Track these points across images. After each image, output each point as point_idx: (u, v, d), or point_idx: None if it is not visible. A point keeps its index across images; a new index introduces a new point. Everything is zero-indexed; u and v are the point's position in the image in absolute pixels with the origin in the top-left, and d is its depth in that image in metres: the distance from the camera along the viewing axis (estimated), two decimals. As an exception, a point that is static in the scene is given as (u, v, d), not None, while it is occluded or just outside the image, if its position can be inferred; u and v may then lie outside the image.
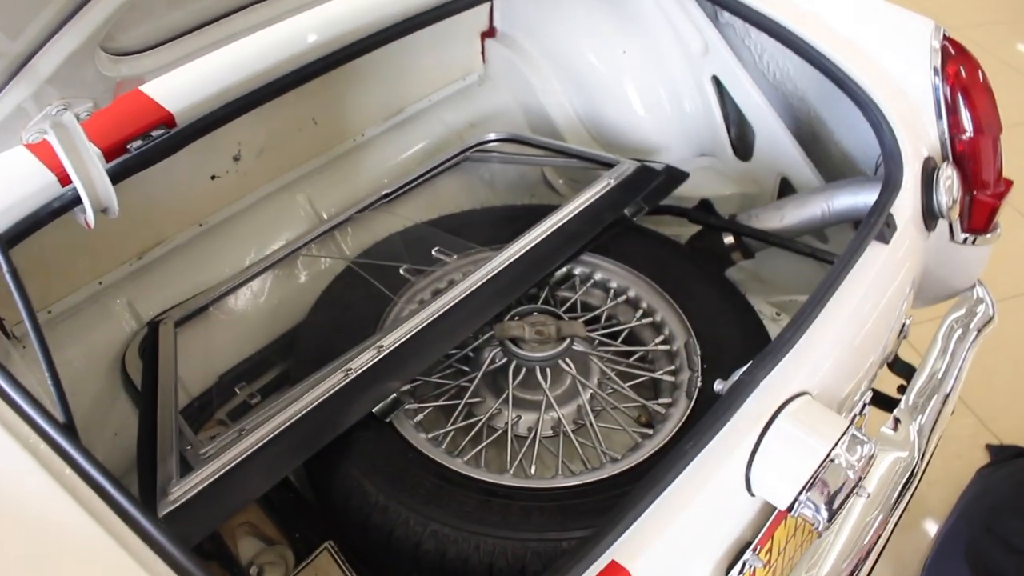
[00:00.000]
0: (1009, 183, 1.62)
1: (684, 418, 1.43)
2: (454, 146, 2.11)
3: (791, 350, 1.15)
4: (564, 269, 1.72)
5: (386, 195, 1.95)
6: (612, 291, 1.71)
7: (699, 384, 1.47)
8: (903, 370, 1.67)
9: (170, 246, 1.72)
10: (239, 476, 1.24)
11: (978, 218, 1.62)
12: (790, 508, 1.04)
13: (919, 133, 1.55)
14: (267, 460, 1.26)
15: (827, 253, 1.70)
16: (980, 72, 1.60)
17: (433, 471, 1.31)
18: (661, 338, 1.62)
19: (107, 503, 0.91)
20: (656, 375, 1.58)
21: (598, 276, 1.73)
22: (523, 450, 1.46)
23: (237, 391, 1.63)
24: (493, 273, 1.56)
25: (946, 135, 1.57)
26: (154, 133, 1.41)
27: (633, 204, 1.74)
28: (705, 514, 1.04)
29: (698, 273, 1.69)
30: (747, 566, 1.06)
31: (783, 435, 1.07)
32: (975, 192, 1.59)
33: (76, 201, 1.24)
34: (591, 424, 1.49)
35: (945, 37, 1.61)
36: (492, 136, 2.10)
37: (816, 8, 1.69)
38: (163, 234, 1.71)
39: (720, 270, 1.81)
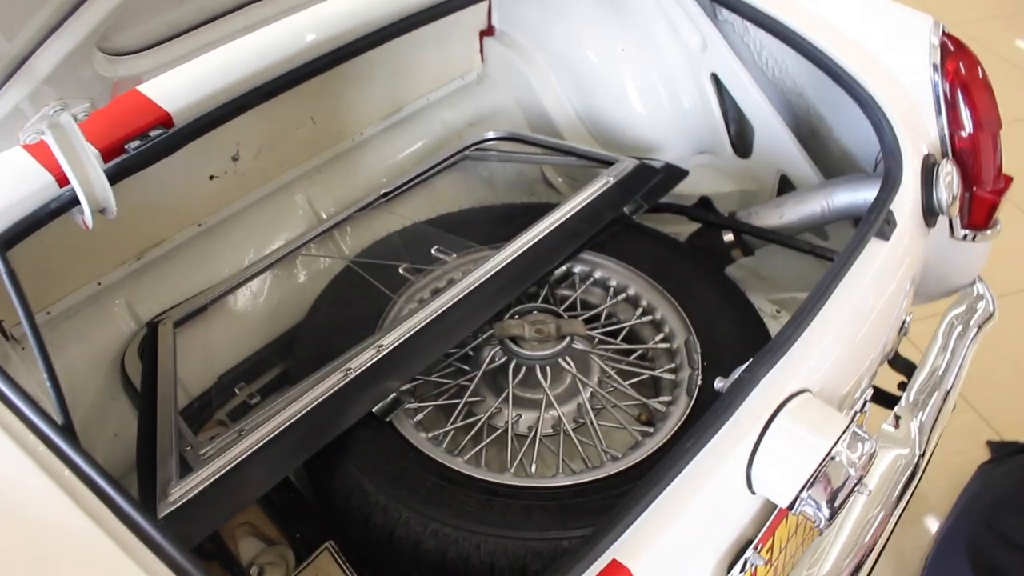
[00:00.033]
0: (1009, 179, 1.62)
1: (685, 416, 1.42)
2: (453, 145, 2.10)
3: (791, 348, 1.15)
4: (564, 267, 1.72)
5: (385, 194, 1.95)
6: (612, 289, 1.71)
7: (699, 382, 1.47)
8: (904, 367, 1.67)
9: (169, 246, 1.71)
10: (239, 477, 1.24)
11: (978, 214, 1.62)
12: (791, 506, 1.04)
13: (919, 129, 1.55)
14: (267, 460, 1.26)
15: (827, 250, 1.70)
16: (980, 68, 1.59)
17: (433, 470, 1.31)
18: (661, 336, 1.62)
19: (106, 504, 0.90)
20: (656, 373, 1.58)
21: (598, 274, 1.73)
22: (523, 449, 1.45)
23: (237, 391, 1.64)
24: (492, 272, 1.56)
25: (946, 131, 1.57)
26: (152, 133, 1.40)
27: (632, 202, 1.74)
28: (706, 512, 1.04)
29: (698, 271, 1.69)
30: (748, 564, 1.06)
31: (784, 433, 1.06)
32: (975, 188, 1.59)
33: (74, 202, 1.24)
34: (591, 422, 1.49)
35: (944, 33, 1.61)
36: (491, 135, 2.10)
37: (815, 4, 1.69)
38: (162, 234, 1.71)
39: (720, 268, 1.80)
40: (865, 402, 1.29)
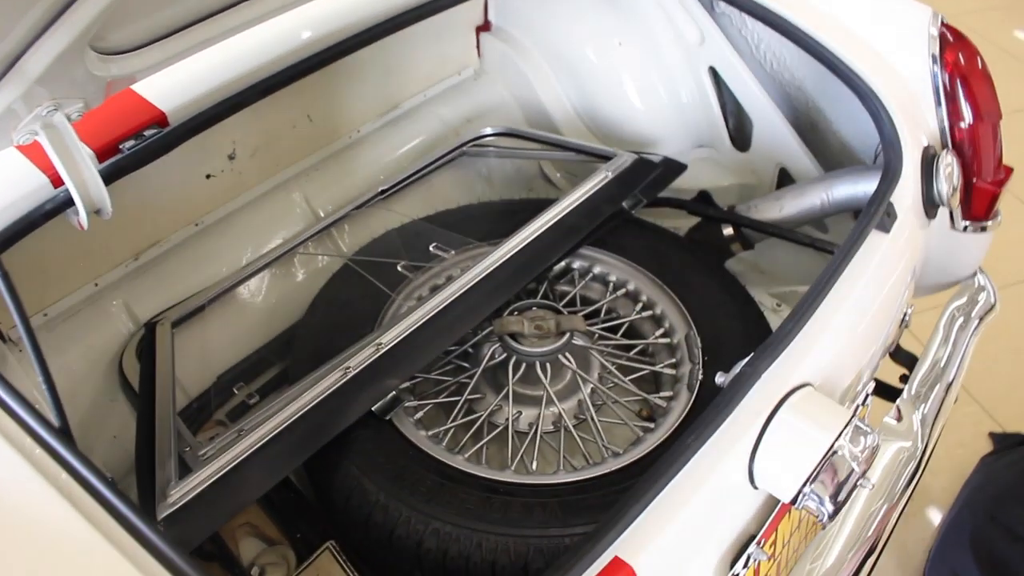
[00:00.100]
0: (1009, 170, 1.61)
1: (686, 411, 1.42)
2: (450, 141, 2.10)
3: (792, 341, 1.15)
4: (563, 263, 1.71)
5: (383, 192, 1.94)
6: (611, 284, 1.70)
7: (700, 377, 1.46)
8: (905, 359, 1.67)
9: (166, 246, 1.71)
10: (239, 477, 1.23)
11: (978, 206, 1.61)
12: (794, 501, 1.03)
13: (918, 121, 1.54)
14: (267, 460, 1.26)
15: (827, 243, 1.70)
16: (979, 59, 1.59)
17: (434, 469, 1.31)
18: (661, 331, 1.61)
19: (104, 507, 0.90)
20: (657, 368, 1.58)
21: (597, 270, 1.72)
22: (524, 446, 1.45)
23: (235, 391, 1.63)
24: (491, 268, 1.55)
25: (945, 123, 1.57)
26: (147, 133, 1.40)
27: (631, 197, 1.74)
28: (708, 508, 1.03)
29: (698, 265, 1.68)
30: (751, 559, 1.06)
31: (786, 427, 1.06)
32: (975, 180, 1.58)
33: (69, 203, 1.23)
34: (592, 419, 1.48)
35: (943, 24, 1.60)
36: (488, 131, 2.09)
37: (812, -4, 1.68)
38: (159, 234, 1.70)
39: (720, 262, 1.80)
40: (867, 395, 1.29)
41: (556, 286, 1.75)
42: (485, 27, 2.22)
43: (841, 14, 1.65)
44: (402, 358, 1.41)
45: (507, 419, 1.49)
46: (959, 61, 1.56)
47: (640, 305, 1.66)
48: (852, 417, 1.06)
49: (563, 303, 1.65)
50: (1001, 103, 1.58)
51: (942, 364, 1.61)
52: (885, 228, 1.34)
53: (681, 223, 1.91)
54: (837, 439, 1.04)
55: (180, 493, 1.20)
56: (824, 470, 1.03)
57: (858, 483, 1.05)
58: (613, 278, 1.70)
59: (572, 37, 2.17)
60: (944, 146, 1.56)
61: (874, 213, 1.32)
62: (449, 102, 2.19)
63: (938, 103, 1.56)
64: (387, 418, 1.37)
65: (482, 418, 1.50)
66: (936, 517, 2.23)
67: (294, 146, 1.90)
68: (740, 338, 1.51)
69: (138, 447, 1.35)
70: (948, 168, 1.48)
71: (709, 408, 1.06)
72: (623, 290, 1.69)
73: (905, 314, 1.52)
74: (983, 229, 1.64)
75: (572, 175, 2.23)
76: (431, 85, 2.16)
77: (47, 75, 1.06)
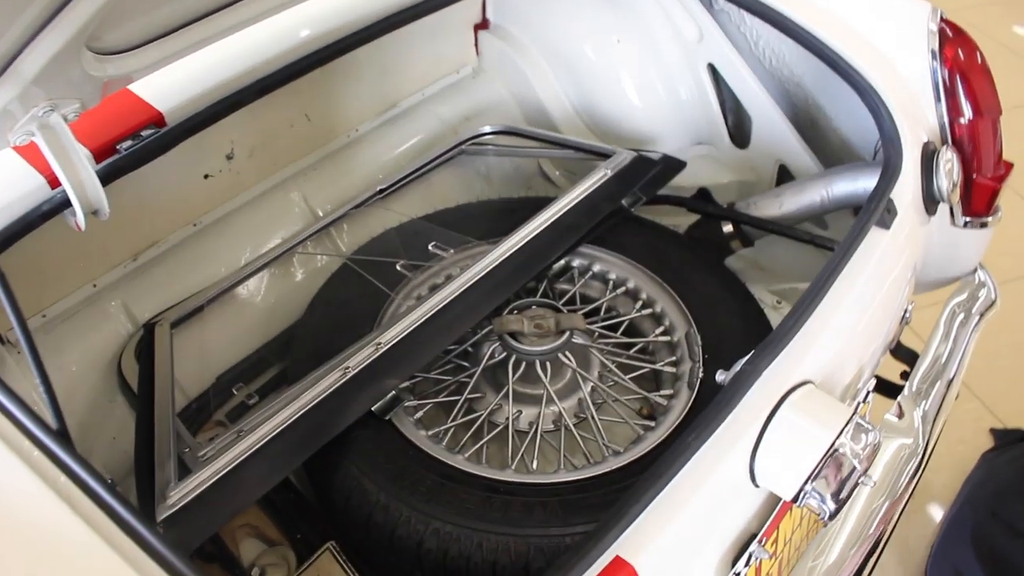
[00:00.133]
0: (1009, 166, 1.61)
1: (686, 409, 1.42)
2: (449, 140, 2.09)
3: (793, 339, 1.14)
4: (562, 261, 1.71)
5: (381, 191, 1.94)
6: (611, 282, 1.70)
7: (701, 375, 1.46)
8: (906, 356, 1.66)
9: (164, 247, 1.70)
10: (238, 478, 1.23)
11: (979, 201, 1.61)
12: (795, 499, 1.03)
13: (918, 117, 1.54)
14: (266, 461, 1.25)
15: (827, 240, 1.69)
16: (979, 54, 1.58)
17: (434, 468, 1.30)
18: (661, 329, 1.61)
19: (102, 509, 0.89)
20: (657, 366, 1.57)
21: (597, 268, 1.71)
22: (524, 445, 1.45)
23: (235, 392, 1.63)
24: (491, 267, 1.55)
25: (945, 118, 1.56)
26: (144, 133, 1.39)
27: (630, 194, 1.73)
28: (709, 506, 1.03)
29: (697, 262, 1.68)
30: (753, 558, 1.06)
31: (787, 425, 1.06)
32: (975, 175, 1.58)
33: (66, 204, 1.23)
34: (592, 417, 1.48)
35: (942, 19, 1.59)
36: (487, 129, 2.09)
37: (811, -8, 1.67)
38: (157, 235, 1.69)
39: (719, 259, 1.79)
40: (868, 392, 1.28)
41: (556, 284, 1.75)
42: (483, 25, 2.22)
43: (840, 10, 1.65)
44: (401, 357, 1.41)
45: (507, 418, 1.48)
46: (959, 57, 1.56)
47: (640, 303, 1.66)
48: (853, 414, 1.06)
49: (563, 301, 1.64)
50: (1001, 99, 1.57)
51: (943, 360, 1.60)
52: (885, 224, 1.34)
53: (680, 220, 1.90)
54: (838, 437, 1.03)
55: (180, 494, 1.20)
56: (825, 468, 1.03)
57: (860, 481, 1.05)
58: (613, 276, 1.70)
59: (570, 35, 2.16)
60: (944, 142, 1.56)
61: (874, 209, 1.31)
62: (447, 101, 2.18)
63: (938, 99, 1.56)
64: (387, 418, 1.36)
65: (482, 417, 1.49)
66: (937, 514, 2.23)
67: (292, 145, 1.90)
68: (740, 336, 1.51)
69: (137, 448, 1.35)
70: (948, 164, 1.47)
71: (710, 406, 1.06)
72: (623, 288, 1.68)
73: (906, 311, 1.52)
74: (983, 225, 1.64)
75: (571, 173, 2.22)
76: (429, 84, 2.16)
77: (43, 75, 1.05)
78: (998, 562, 1.99)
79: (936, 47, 1.56)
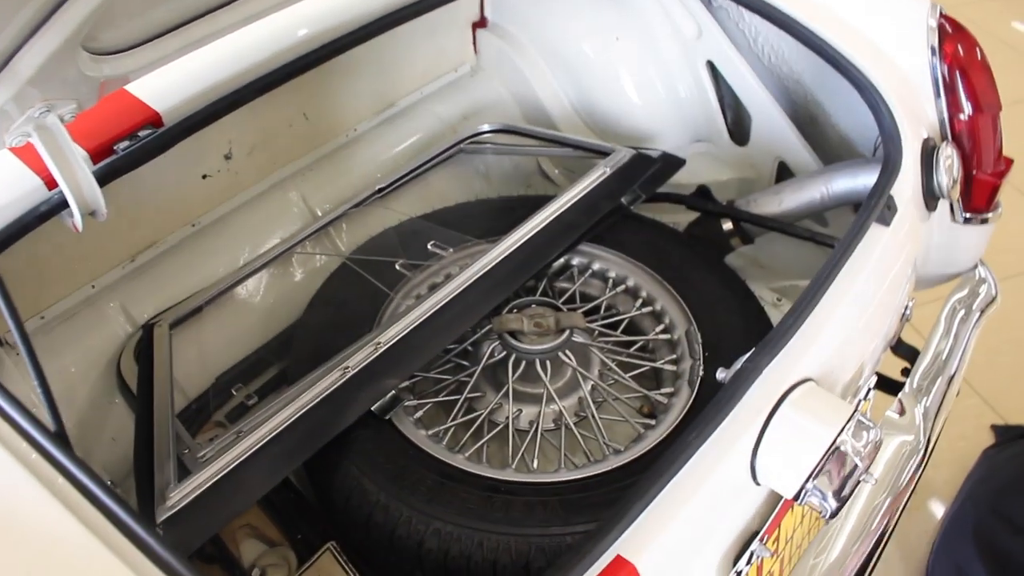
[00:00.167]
0: (1009, 161, 1.61)
1: (687, 408, 1.41)
2: (447, 139, 2.09)
3: (793, 336, 1.14)
4: (562, 260, 1.70)
5: (380, 190, 1.93)
6: (611, 281, 1.69)
7: (701, 373, 1.46)
8: (907, 353, 1.66)
9: (163, 247, 1.70)
10: (238, 479, 1.23)
11: (979, 197, 1.61)
12: (797, 497, 1.02)
13: (917, 113, 1.53)
14: (266, 461, 1.25)
15: (827, 237, 1.69)
16: (978, 50, 1.58)
17: (434, 468, 1.30)
18: (661, 327, 1.61)
19: (101, 511, 0.89)
20: (657, 364, 1.57)
21: (596, 266, 1.71)
22: (525, 444, 1.44)
23: (234, 392, 1.62)
24: (490, 266, 1.54)
25: (945, 114, 1.56)
26: (141, 133, 1.39)
27: (630, 192, 1.73)
28: (711, 505, 1.03)
29: (697, 260, 1.67)
30: (755, 556, 1.05)
31: (788, 423, 1.05)
32: (975, 171, 1.58)
33: (63, 205, 1.22)
34: (593, 416, 1.48)
35: (942, 15, 1.59)
36: (486, 127, 2.08)
37: (810, -11, 1.67)
38: (155, 235, 1.69)
39: (719, 257, 1.79)
40: (869, 390, 1.28)
41: (555, 283, 1.74)
42: (481, 23, 2.21)
43: (839, 6, 1.64)
44: (401, 357, 1.40)
45: (507, 417, 1.48)
46: (958, 52, 1.55)
47: (640, 301, 1.66)
48: (854, 412, 1.05)
49: (562, 300, 1.64)
50: (1001, 94, 1.57)
51: (944, 357, 1.60)
52: (885, 221, 1.33)
53: (680, 218, 1.90)
54: (839, 434, 1.03)
55: (179, 495, 1.19)
56: (827, 466, 1.02)
57: (861, 478, 1.05)
58: (612, 274, 1.69)
59: (569, 33, 2.16)
60: (944, 138, 1.55)
61: (874, 206, 1.31)
62: (446, 99, 2.18)
63: (937, 95, 1.55)
64: (387, 417, 1.36)
65: (482, 417, 1.49)
66: (939, 510, 2.23)
67: (290, 145, 1.89)
68: (741, 333, 1.50)
69: (137, 449, 1.35)
70: (948, 160, 1.47)
71: (710, 404, 1.06)
72: (623, 286, 1.68)
73: (906, 307, 1.51)
74: (984, 221, 1.63)
75: (570, 171, 2.22)
76: (428, 82, 2.15)
77: (39, 76, 1.05)
78: (999, 558, 1.99)
79: (936, 43, 1.56)
